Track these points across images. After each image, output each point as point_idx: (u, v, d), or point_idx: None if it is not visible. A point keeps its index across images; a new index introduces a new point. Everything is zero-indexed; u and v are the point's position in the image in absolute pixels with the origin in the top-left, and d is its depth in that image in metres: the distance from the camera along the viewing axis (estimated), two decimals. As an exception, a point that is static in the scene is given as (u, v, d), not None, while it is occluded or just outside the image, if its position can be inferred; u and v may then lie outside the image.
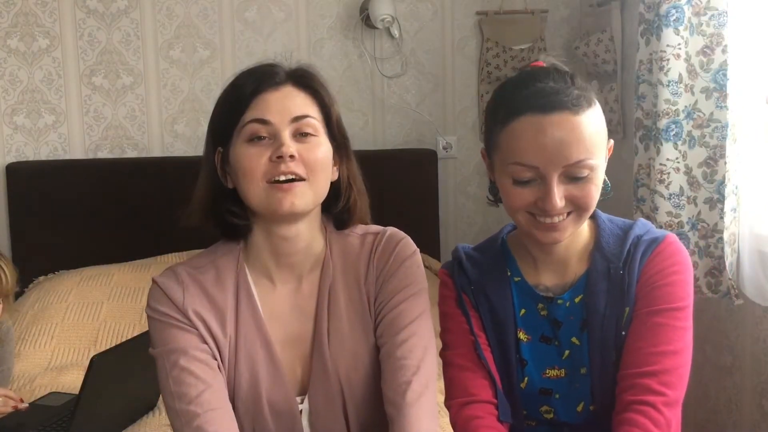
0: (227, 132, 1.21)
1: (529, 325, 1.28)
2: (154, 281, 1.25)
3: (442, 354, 1.33)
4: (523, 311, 1.29)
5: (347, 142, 1.28)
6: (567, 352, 1.26)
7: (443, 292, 1.34)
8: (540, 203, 1.17)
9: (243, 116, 1.19)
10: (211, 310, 1.23)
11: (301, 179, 1.18)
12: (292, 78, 1.22)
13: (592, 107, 1.19)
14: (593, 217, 1.30)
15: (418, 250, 1.31)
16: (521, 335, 1.28)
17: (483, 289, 1.30)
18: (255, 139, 1.18)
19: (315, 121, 1.21)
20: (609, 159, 1.25)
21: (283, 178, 1.17)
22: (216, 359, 1.22)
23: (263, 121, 1.18)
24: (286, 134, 1.17)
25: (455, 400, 1.28)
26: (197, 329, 1.21)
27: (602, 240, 1.27)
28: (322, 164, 1.21)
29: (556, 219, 1.19)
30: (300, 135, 1.20)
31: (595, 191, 1.19)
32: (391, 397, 1.20)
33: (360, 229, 1.32)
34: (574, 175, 1.17)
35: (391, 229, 1.32)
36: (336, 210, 1.29)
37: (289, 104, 1.19)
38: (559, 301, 1.26)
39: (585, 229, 1.29)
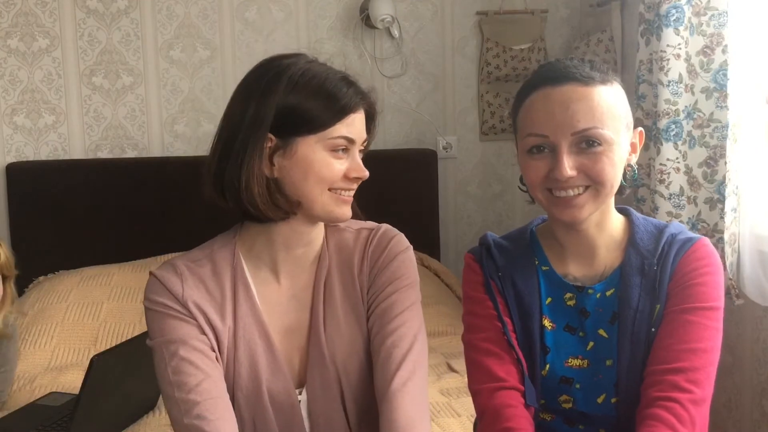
0: (300, 130, 1.21)
1: (554, 313, 1.29)
2: (152, 274, 1.26)
3: (466, 337, 1.33)
4: (549, 300, 1.29)
5: None
6: (591, 343, 1.26)
7: (469, 276, 1.35)
8: (552, 173, 1.19)
9: (333, 128, 1.21)
10: (210, 301, 1.24)
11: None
12: (365, 103, 1.27)
13: (607, 85, 1.21)
14: (627, 214, 1.32)
15: (411, 246, 1.35)
16: (546, 323, 1.28)
17: (510, 276, 1.31)
18: (338, 151, 1.23)
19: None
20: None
21: (347, 194, 1.25)
22: (214, 350, 1.23)
23: (350, 140, 1.23)
24: (357, 153, 1.26)
25: (484, 385, 1.27)
26: (197, 320, 1.22)
27: (636, 236, 1.28)
28: None
29: (570, 192, 1.20)
30: (359, 152, 1.28)
31: (609, 166, 1.19)
32: (380, 386, 1.23)
33: (355, 224, 1.35)
34: (584, 145, 1.18)
35: (385, 226, 1.36)
36: None
37: (362, 127, 1.27)
38: (590, 291, 1.27)
39: (617, 222, 1.30)
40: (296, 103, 1.22)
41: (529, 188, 1.26)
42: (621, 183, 1.25)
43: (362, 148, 1.28)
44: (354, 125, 1.24)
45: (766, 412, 2.23)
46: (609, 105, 1.19)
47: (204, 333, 1.23)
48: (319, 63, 1.30)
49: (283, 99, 1.22)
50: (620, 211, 1.33)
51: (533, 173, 1.22)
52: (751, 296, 2.17)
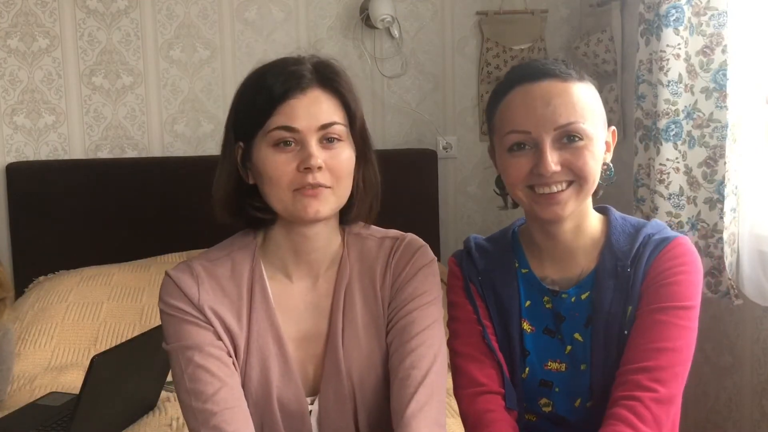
0: (250, 131, 1.18)
1: (533, 316, 1.28)
2: (167, 274, 1.23)
3: (449, 343, 1.32)
4: (528, 303, 1.29)
5: (368, 148, 1.25)
6: (569, 347, 1.26)
7: (451, 281, 1.35)
8: (535, 169, 1.19)
9: (269, 120, 1.16)
10: (226, 303, 1.21)
11: (327, 187, 1.17)
12: (319, 80, 1.18)
13: (584, 82, 1.22)
14: (606, 214, 1.31)
15: (435, 259, 1.30)
16: (525, 326, 1.28)
17: (490, 279, 1.30)
18: (281, 144, 1.16)
19: (341, 127, 1.18)
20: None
21: (310, 188, 1.16)
22: (231, 356, 1.20)
23: (290, 129, 1.15)
24: (314, 142, 1.15)
25: (465, 390, 1.27)
26: (212, 326, 1.19)
27: (613, 238, 1.26)
28: (347, 171, 1.20)
29: (554, 188, 1.19)
30: (326, 141, 1.17)
31: (591, 161, 1.19)
32: (396, 409, 1.19)
33: (379, 232, 1.31)
34: (566, 140, 1.18)
35: (411, 236, 1.31)
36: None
37: (316, 111, 1.16)
38: (564, 296, 1.26)
39: (595, 223, 1.29)
40: (240, 103, 1.21)
41: (510, 188, 1.24)
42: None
43: (335, 136, 1.17)
44: (296, 111, 1.15)
45: (766, 412, 2.23)
46: (588, 101, 1.20)
47: (220, 338, 1.20)
48: (269, 64, 1.23)
49: (236, 102, 1.22)
50: (600, 210, 1.32)
51: (515, 171, 1.21)
52: (751, 296, 2.17)
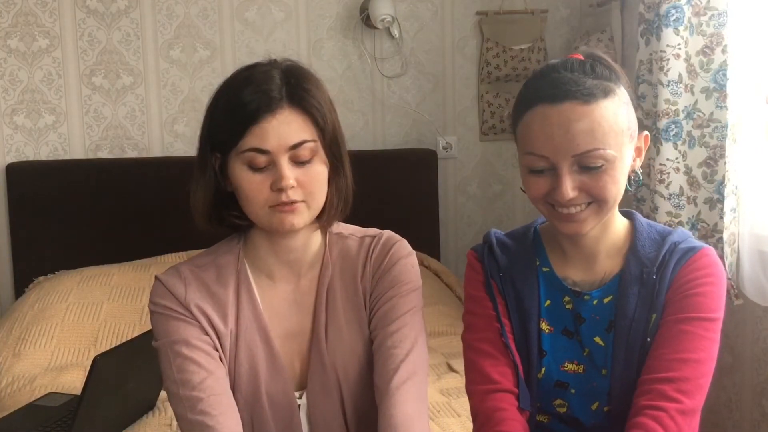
0: (225, 147, 1.22)
1: (552, 316, 1.27)
2: (156, 278, 1.29)
3: (464, 336, 1.32)
4: (548, 302, 1.28)
5: (339, 159, 1.27)
6: (587, 350, 1.25)
7: (470, 274, 1.34)
8: (553, 193, 1.17)
9: (241, 141, 1.19)
10: (212, 304, 1.27)
11: (301, 202, 1.21)
12: (288, 97, 1.20)
13: (610, 98, 1.16)
14: (631, 219, 1.30)
15: (414, 252, 1.35)
16: (543, 326, 1.27)
17: (511, 276, 1.29)
18: (254, 164, 1.20)
19: (312, 144, 1.21)
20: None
21: (284, 203, 1.20)
22: (217, 350, 1.26)
23: (262, 151, 1.18)
24: (284, 162, 1.19)
25: (478, 386, 1.27)
26: (199, 322, 1.25)
27: (638, 243, 1.25)
28: (319, 186, 1.23)
29: (572, 210, 1.18)
30: (298, 160, 1.21)
31: (611, 183, 1.16)
32: (379, 384, 1.24)
33: (359, 231, 1.36)
34: (586, 165, 1.15)
35: (388, 233, 1.36)
36: None
37: (285, 131, 1.19)
38: (586, 297, 1.25)
39: (620, 227, 1.28)
40: (213, 118, 1.25)
41: (531, 200, 1.23)
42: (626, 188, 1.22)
43: (308, 158, 1.20)
44: (266, 132, 1.18)
45: (766, 412, 2.23)
46: (611, 122, 1.15)
47: (206, 333, 1.26)
48: (265, 65, 1.25)
49: (210, 116, 1.26)
50: (624, 214, 1.30)
51: (534, 190, 1.20)
52: (751, 296, 2.17)
